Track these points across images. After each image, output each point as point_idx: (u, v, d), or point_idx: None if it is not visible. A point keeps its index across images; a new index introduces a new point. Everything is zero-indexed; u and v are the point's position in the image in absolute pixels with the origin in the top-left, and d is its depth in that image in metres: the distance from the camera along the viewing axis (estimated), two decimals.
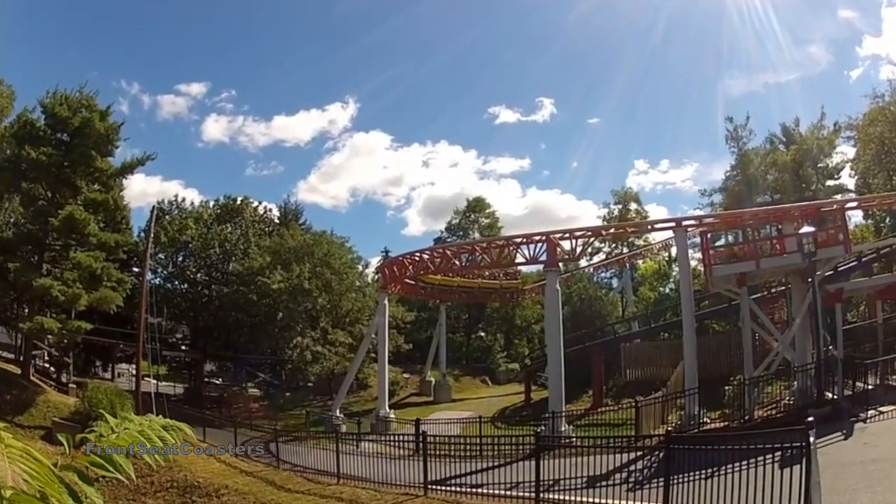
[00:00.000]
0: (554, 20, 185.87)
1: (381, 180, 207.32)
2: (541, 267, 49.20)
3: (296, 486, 28.94)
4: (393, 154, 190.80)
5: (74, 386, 50.60)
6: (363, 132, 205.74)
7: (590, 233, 47.73)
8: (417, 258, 55.78)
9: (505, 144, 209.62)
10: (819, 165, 71.41)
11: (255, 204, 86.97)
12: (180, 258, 74.53)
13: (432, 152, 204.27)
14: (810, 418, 15.76)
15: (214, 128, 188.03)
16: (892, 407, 26.78)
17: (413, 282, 62.95)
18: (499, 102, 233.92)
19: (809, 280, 32.93)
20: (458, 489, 25.24)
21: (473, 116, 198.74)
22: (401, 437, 35.72)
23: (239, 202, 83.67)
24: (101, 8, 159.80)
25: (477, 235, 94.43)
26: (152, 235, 55.09)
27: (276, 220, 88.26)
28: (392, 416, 52.83)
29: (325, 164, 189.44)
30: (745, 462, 15.94)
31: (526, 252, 46.49)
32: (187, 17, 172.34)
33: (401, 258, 57.26)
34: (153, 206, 62.08)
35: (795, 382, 35.51)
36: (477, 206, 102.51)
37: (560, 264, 47.20)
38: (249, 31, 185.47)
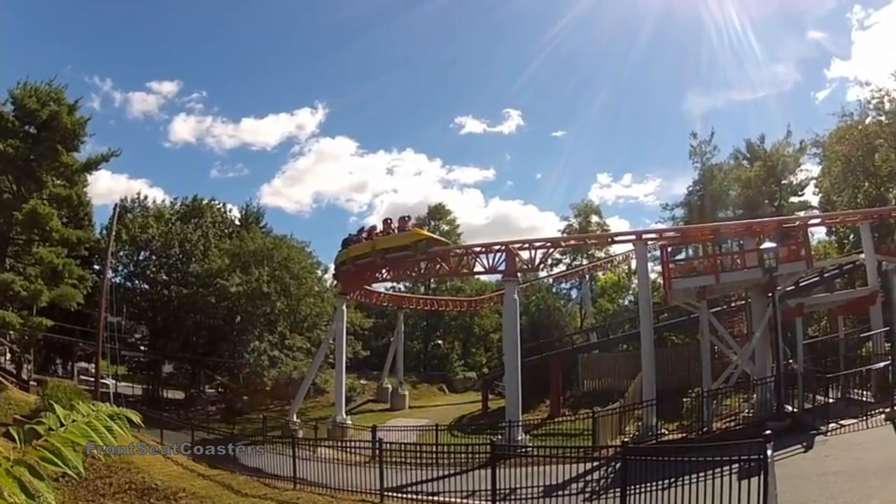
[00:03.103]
0: (525, 35, 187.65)
1: (344, 186, 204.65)
2: (500, 276, 48.72)
3: (253, 490, 28.75)
4: (358, 160, 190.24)
5: (35, 384, 50.07)
6: (329, 137, 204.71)
7: (549, 244, 48.26)
8: (364, 266, 54.60)
9: (470, 154, 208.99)
10: (783, 182, 72.11)
11: (219, 205, 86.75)
12: (141, 257, 74.01)
13: (398, 160, 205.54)
14: (768, 431, 15.84)
15: (183, 128, 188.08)
16: (854, 420, 26.85)
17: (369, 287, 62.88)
18: (466, 112, 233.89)
19: (770, 295, 33.05)
20: (415, 497, 25.27)
21: (440, 125, 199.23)
22: (357, 444, 35.56)
23: (202, 203, 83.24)
24: (80, 2, 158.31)
25: None
26: (114, 233, 54.75)
27: (237, 223, 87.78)
28: (349, 422, 52.84)
29: (291, 168, 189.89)
30: (703, 473, 15.98)
31: (485, 261, 46.79)
32: (165, 14, 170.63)
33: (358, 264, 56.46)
34: (115, 204, 61.94)
35: (755, 395, 35.74)
36: (437, 212, 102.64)
37: (519, 274, 46.92)
38: (224, 32, 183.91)
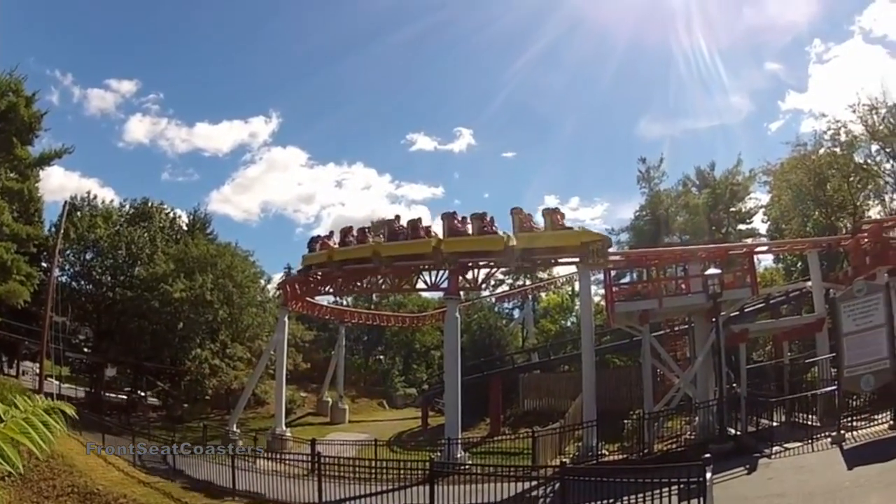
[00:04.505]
0: (481, 55, 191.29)
1: (293, 197, 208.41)
2: (442, 294, 47.45)
3: (192, 499, 29.00)
4: (308, 171, 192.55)
5: None
6: (281, 147, 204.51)
7: (493, 263, 46.26)
8: (319, 277, 54.57)
9: (420, 171, 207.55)
10: (731, 209, 73.16)
11: (168, 210, 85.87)
12: (88, 257, 72.71)
13: (347, 173, 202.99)
14: (707, 454, 16.36)
15: (137, 128, 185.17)
16: (799, 444, 26.97)
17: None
18: (418, 129, 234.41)
19: (714, 320, 33.49)
20: None
21: (391, 141, 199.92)
22: (296, 456, 35.34)
23: (151, 206, 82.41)
24: None
25: None
26: (62, 231, 54.10)
27: (185, 228, 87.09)
28: (288, 434, 52.29)
29: (241, 176, 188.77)
30: (642, 494, 16.20)
31: (427, 278, 46.56)
32: (129, 11, 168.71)
33: (303, 276, 56.20)
34: (65, 201, 61.25)
35: (697, 418, 36.02)
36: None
37: (461, 293, 47.13)
38: (186, 34, 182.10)
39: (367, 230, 49.31)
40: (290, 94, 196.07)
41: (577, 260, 41.05)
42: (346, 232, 50.16)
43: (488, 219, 42.73)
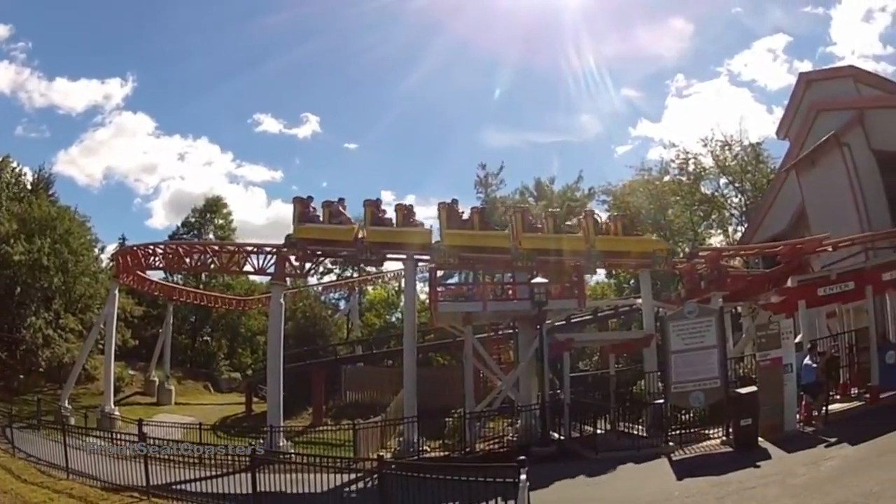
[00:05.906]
0: (336, 42, 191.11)
1: (136, 165, 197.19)
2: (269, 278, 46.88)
3: (31, 477, 28.26)
4: (154, 141, 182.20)
5: None
6: (132, 112, 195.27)
7: (320, 252, 45.36)
8: (151, 251, 53.99)
9: (262, 152, 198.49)
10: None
11: (15, 166, 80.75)
12: None
13: (191, 147, 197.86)
14: (522, 457, 16.50)
15: (2, 77, 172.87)
16: (625, 452, 27.71)
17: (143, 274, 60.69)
18: (265, 110, 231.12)
19: (538, 327, 34.48)
20: (179, 496, 25.04)
21: (238, 118, 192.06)
22: (124, 437, 35.15)
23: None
24: None
25: (211, 236, 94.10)
26: None
27: (28, 187, 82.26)
28: (117, 413, 51.23)
29: (90, 138, 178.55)
30: (459, 492, 16.33)
31: (255, 262, 45.60)
32: None
33: (135, 248, 55.15)
34: None
35: (520, 421, 36.88)
36: (214, 206, 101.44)
37: (288, 279, 46.72)
38: None
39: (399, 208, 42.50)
40: (148, 57, 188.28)
41: (427, 257, 41.12)
42: (376, 206, 42.53)
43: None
